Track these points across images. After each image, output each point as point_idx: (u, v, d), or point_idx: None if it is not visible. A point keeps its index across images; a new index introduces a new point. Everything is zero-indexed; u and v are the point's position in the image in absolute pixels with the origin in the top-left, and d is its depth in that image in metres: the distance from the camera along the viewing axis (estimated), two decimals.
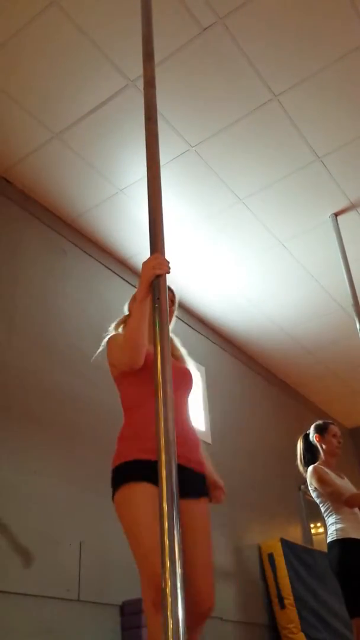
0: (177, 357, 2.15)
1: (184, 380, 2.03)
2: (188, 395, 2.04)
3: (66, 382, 3.36)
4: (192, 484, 1.87)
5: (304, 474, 3.21)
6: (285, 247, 4.25)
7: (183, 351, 2.20)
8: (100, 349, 2.10)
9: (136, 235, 4.04)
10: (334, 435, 3.26)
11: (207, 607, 1.71)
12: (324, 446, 3.23)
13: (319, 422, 3.41)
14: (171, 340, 2.13)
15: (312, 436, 3.29)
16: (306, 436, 3.34)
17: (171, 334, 2.15)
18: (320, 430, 3.29)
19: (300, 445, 3.32)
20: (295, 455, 3.34)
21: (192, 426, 2.01)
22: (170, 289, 2.15)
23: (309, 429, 3.37)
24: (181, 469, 1.74)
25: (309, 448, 3.27)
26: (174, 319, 2.22)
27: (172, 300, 2.20)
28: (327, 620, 4.28)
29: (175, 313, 2.25)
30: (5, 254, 3.37)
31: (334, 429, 3.30)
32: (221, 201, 3.81)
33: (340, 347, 5.43)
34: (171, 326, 2.17)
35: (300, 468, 3.26)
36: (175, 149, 3.42)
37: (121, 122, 3.25)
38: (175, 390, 1.86)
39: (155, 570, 1.58)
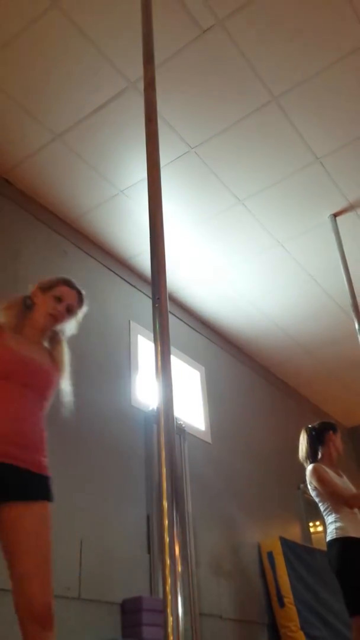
0: (53, 360, 2.00)
1: (40, 381, 1.89)
2: (42, 397, 1.90)
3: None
4: (22, 485, 1.71)
5: (306, 467, 3.23)
6: (285, 248, 4.26)
7: (65, 358, 2.05)
8: None
9: (137, 236, 4.06)
10: (340, 437, 3.33)
11: (45, 619, 1.58)
12: (333, 444, 3.26)
13: (329, 421, 3.46)
14: (58, 344, 2.05)
15: (325, 432, 3.29)
16: (310, 430, 3.34)
17: (64, 339, 2.08)
18: (334, 428, 3.33)
19: (304, 439, 3.33)
20: (298, 449, 3.34)
21: (40, 428, 1.89)
22: (79, 293, 2.06)
23: (310, 423, 3.40)
24: (7, 467, 1.68)
25: (314, 443, 3.28)
26: (72, 323, 2.08)
27: (71, 309, 2.03)
28: (327, 618, 4.29)
29: (78, 319, 2.09)
30: (6, 255, 3.38)
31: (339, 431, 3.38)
32: (221, 202, 3.83)
33: (339, 347, 5.44)
34: (69, 328, 2.08)
35: (304, 462, 3.27)
36: (175, 150, 3.43)
37: (122, 124, 3.26)
38: (24, 387, 1.82)
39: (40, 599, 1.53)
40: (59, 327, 2.06)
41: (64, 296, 2.03)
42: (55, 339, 2.06)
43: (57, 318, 2.02)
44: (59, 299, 2.02)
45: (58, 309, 2.01)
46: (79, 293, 2.08)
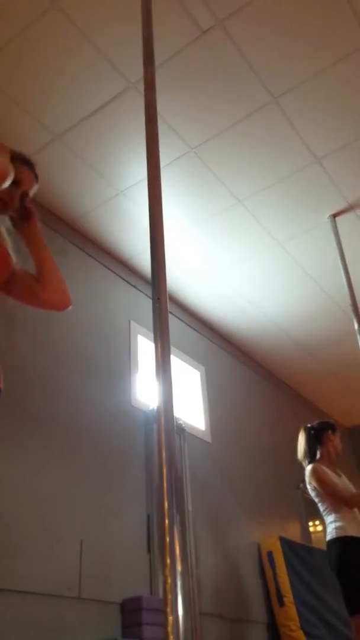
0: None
1: None
2: None
3: (67, 382, 3.38)
4: None
5: (305, 467, 3.23)
6: (284, 248, 4.27)
7: (8, 242, 1.70)
8: None
9: (136, 236, 4.06)
10: (339, 437, 3.35)
11: None
12: (332, 444, 3.26)
13: (329, 420, 3.47)
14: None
15: (324, 432, 3.30)
16: (309, 429, 3.35)
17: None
18: (332, 428, 3.34)
19: (302, 438, 3.33)
20: (297, 448, 3.34)
21: None
22: (36, 176, 1.67)
23: (309, 423, 3.40)
24: None
25: (312, 442, 3.28)
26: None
27: (26, 196, 1.62)
28: (326, 617, 4.30)
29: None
30: None
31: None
32: (220, 202, 3.83)
33: (339, 347, 5.45)
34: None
35: (303, 462, 3.27)
36: (175, 150, 3.44)
37: (122, 124, 3.27)
38: None
39: None
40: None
41: (23, 181, 1.62)
42: None
43: (6, 204, 1.61)
44: (16, 184, 1.58)
45: (12, 195, 1.60)
46: (36, 176, 1.71)
